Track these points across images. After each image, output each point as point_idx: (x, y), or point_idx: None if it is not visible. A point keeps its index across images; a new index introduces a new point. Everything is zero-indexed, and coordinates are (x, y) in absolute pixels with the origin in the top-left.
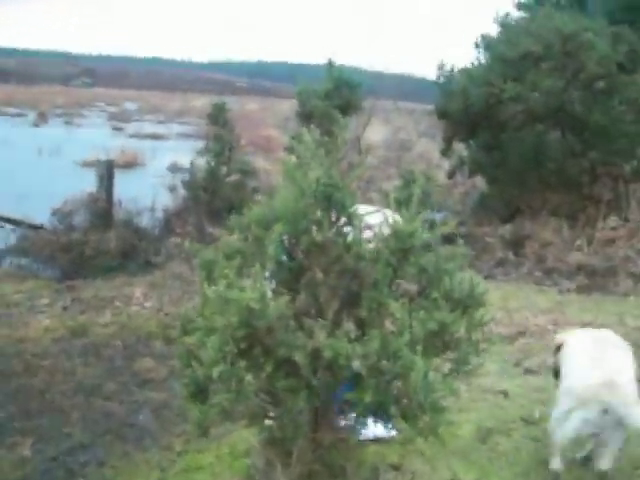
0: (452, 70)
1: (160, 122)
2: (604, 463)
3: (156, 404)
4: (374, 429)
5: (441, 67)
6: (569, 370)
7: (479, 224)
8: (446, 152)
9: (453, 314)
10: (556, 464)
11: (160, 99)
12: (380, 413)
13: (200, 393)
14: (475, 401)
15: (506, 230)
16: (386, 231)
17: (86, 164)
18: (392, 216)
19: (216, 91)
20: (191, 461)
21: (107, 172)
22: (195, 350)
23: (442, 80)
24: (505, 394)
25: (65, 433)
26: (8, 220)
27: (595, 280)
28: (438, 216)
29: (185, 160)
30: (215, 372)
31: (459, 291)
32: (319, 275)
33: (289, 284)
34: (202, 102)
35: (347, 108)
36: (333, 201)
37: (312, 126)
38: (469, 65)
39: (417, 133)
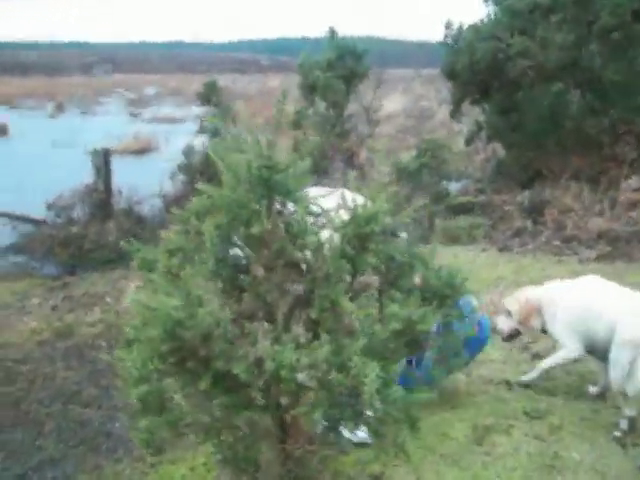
0: (460, 27)
1: (179, 105)
2: None
3: (135, 410)
4: (358, 433)
5: (449, 26)
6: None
7: (498, 192)
8: (454, 114)
9: (423, 309)
10: (631, 411)
11: (180, 82)
12: (337, 428)
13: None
14: (473, 395)
15: (525, 197)
16: (344, 216)
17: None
18: (352, 197)
19: (238, 70)
20: (164, 474)
21: (104, 161)
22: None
23: (450, 39)
24: (508, 385)
25: (37, 446)
26: (11, 216)
27: (618, 247)
28: (456, 185)
29: (199, 142)
30: (134, 394)
31: (436, 280)
32: (260, 272)
33: (234, 283)
34: (222, 82)
35: (352, 78)
36: (273, 186)
37: (316, 99)
38: (478, 21)
39: (438, 101)
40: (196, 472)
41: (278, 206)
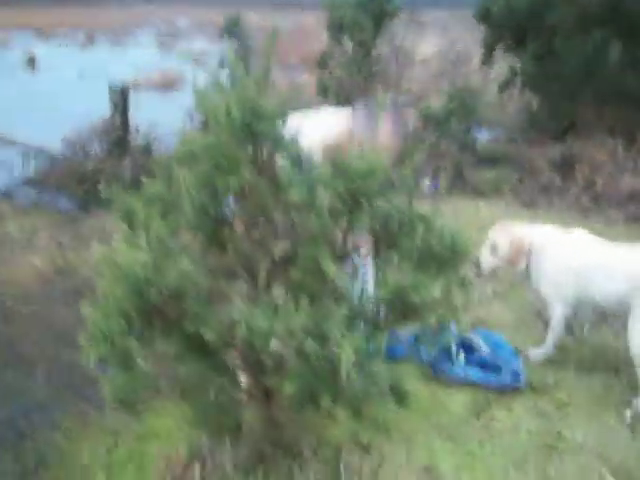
0: None
1: (211, 39)
2: None
3: None
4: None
5: None
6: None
7: (529, 143)
8: (487, 60)
9: (418, 275)
10: None
11: (214, 15)
12: (310, 402)
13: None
14: None
15: (556, 150)
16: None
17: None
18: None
19: (274, 5)
20: (149, 426)
21: (121, 97)
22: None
23: None
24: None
25: (26, 389)
26: (28, 148)
27: None
28: (487, 134)
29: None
30: (93, 355)
31: (438, 242)
32: (240, 227)
33: (216, 237)
34: (257, 17)
35: (381, 17)
36: (257, 134)
37: (343, 38)
38: None
39: (477, 44)
40: (182, 425)
41: (266, 154)
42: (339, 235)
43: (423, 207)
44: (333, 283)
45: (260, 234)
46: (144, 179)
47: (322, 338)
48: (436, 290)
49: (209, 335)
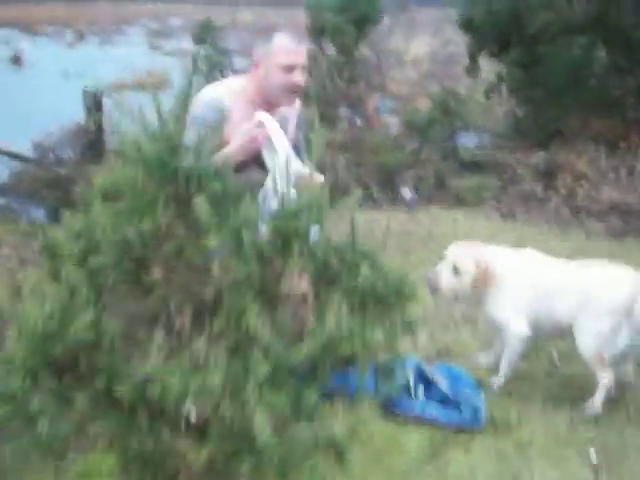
0: None
1: None
2: None
3: None
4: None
5: None
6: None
7: (513, 150)
8: (472, 69)
9: (356, 320)
10: (608, 377)
11: (207, 13)
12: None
13: None
14: None
15: (540, 158)
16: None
17: (114, 87)
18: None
19: (267, 3)
20: (93, 463)
21: (94, 102)
22: None
23: None
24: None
25: None
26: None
27: (630, 222)
28: (475, 140)
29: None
30: None
31: (382, 284)
32: (157, 272)
33: (138, 282)
34: (251, 16)
35: (363, 21)
36: (175, 171)
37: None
38: None
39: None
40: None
41: (186, 193)
42: (271, 279)
43: (368, 243)
44: (257, 335)
45: (180, 279)
46: (65, 212)
47: (240, 399)
48: (377, 336)
49: (121, 392)
